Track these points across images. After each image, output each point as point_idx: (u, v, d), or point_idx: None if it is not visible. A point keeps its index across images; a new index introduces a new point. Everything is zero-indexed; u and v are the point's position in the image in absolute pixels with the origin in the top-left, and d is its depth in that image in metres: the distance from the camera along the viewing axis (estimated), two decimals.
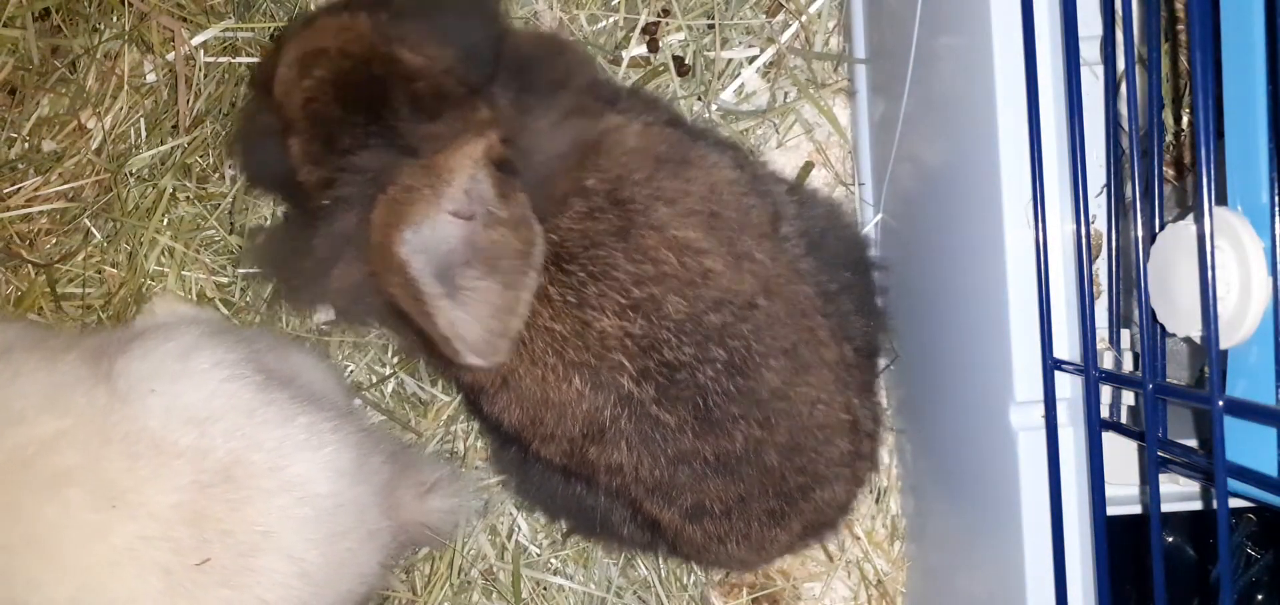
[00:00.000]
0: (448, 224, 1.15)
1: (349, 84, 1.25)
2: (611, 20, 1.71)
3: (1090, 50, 1.08)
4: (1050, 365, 1.04)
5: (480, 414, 1.39)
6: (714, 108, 1.69)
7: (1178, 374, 1.22)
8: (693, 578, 1.64)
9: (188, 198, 1.73)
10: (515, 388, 1.27)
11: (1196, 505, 1.17)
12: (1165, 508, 1.07)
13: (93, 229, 1.75)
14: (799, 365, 1.26)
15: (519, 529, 1.67)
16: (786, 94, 1.71)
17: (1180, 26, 1.30)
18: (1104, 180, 1.12)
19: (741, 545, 1.34)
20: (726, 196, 1.27)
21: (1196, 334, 0.96)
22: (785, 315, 1.25)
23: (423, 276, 1.13)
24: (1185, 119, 1.33)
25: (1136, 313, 0.99)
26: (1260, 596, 1.53)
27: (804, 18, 1.71)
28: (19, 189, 1.77)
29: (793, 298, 1.27)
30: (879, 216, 1.61)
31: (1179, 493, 1.16)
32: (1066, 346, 1.04)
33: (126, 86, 1.76)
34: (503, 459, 1.53)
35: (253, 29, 1.74)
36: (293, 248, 1.32)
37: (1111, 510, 1.00)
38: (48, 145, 1.78)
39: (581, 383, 1.23)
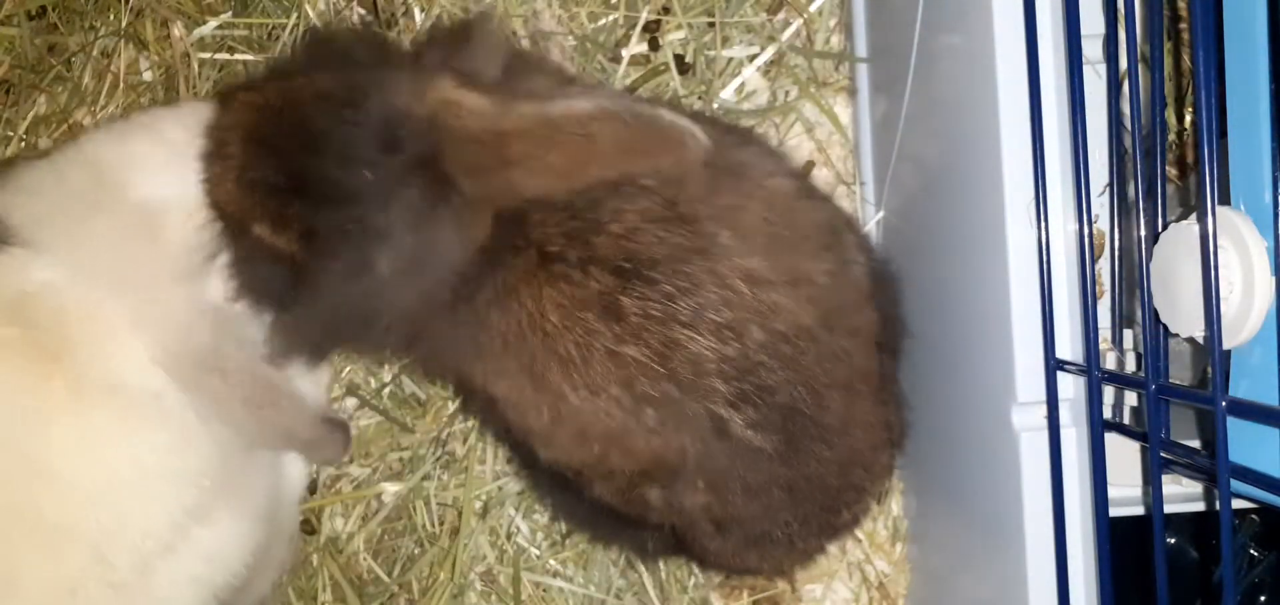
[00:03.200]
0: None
1: (277, 133, 1.14)
2: (611, 18, 1.70)
3: (1092, 48, 1.07)
4: (1053, 366, 1.03)
5: (534, 464, 1.29)
6: (715, 106, 1.68)
7: (1181, 374, 1.21)
8: (694, 580, 1.63)
9: None
10: (571, 423, 1.15)
11: (1199, 506, 1.17)
12: (1168, 509, 1.07)
13: None
14: (856, 392, 1.22)
15: (518, 530, 1.66)
16: (787, 92, 1.71)
17: (1183, 25, 1.29)
18: (1106, 179, 1.11)
19: (785, 559, 1.34)
20: (780, 206, 1.19)
21: (1199, 334, 0.95)
22: (848, 347, 1.19)
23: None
24: (1188, 118, 1.32)
25: (1139, 313, 0.98)
26: (1263, 598, 1.53)
27: (805, 16, 1.70)
28: None
29: (855, 328, 1.21)
30: (880, 215, 1.61)
31: (1182, 494, 1.15)
32: (1069, 347, 1.03)
33: (123, 84, 1.76)
34: (541, 486, 1.48)
35: (250, 25, 1.74)
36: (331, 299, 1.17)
37: (1114, 511, 0.99)
38: (45, 144, 1.77)
39: (656, 418, 1.12)
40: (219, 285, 1.29)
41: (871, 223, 1.62)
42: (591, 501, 1.26)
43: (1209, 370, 1.12)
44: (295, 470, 1.57)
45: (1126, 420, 1.10)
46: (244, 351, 1.32)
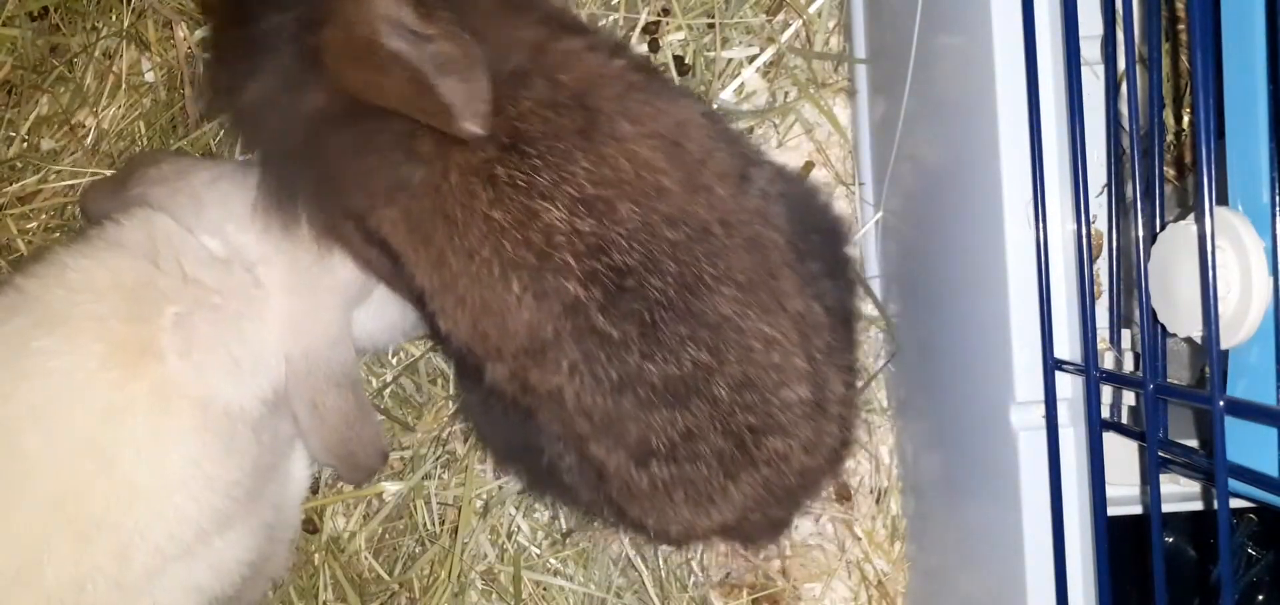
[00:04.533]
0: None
1: None
2: (612, 19, 1.71)
3: (1091, 50, 1.08)
4: (1051, 365, 1.03)
5: (446, 344, 1.36)
6: (714, 106, 1.69)
7: (1179, 374, 1.22)
8: (693, 578, 1.64)
9: None
10: (454, 289, 1.21)
11: (1197, 505, 1.17)
12: (1166, 508, 1.07)
13: None
14: (757, 303, 1.21)
15: (519, 529, 1.67)
16: (787, 93, 1.71)
17: (1181, 26, 1.30)
18: (1105, 180, 1.11)
19: (689, 497, 1.27)
20: (692, 133, 1.25)
21: (1197, 334, 0.95)
22: (744, 250, 1.22)
23: (411, 55, 1.15)
24: (1186, 118, 1.33)
25: (1137, 313, 0.99)
26: (1261, 597, 1.53)
27: (804, 17, 1.70)
28: (19, 187, 1.76)
29: (755, 238, 1.23)
30: (879, 216, 1.61)
31: (1180, 493, 1.16)
32: (1067, 346, 1.04)
33: (125, 85, 1.76)
34: (468, 406, 1.54)
35: None
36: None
37: (1112, 510, 1.00)
38: (46, 144, 1.78)
39: (520, 286, 1.17)
40: (365, 320, 1.46)
41: (870, 223, 1.62)
42: (495, 395, 1.29)
43: (1207, 370, 1.12)
44: (298, 478, 1.58)
45: (1125, 420, 1.10)
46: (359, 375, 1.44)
